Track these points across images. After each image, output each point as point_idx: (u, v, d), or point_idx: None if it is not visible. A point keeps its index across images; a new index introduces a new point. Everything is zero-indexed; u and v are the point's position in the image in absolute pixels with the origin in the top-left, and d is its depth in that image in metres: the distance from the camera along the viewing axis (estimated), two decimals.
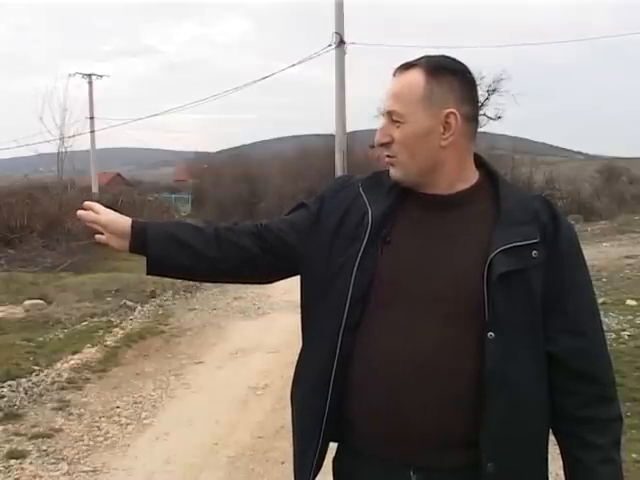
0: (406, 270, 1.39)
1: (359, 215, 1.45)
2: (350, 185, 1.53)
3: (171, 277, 1.68)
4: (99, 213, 1.53)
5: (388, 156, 1.43)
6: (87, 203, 1.56)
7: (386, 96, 1.43)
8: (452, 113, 1.38)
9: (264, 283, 1.68)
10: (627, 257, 12.66)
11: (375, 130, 1.46)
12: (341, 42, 16.56)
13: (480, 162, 1.49)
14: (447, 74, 1.40)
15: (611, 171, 34.58)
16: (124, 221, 1.53)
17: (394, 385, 1.35)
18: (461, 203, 1.43)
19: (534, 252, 1.36)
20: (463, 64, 1.45)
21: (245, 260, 1.52)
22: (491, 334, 1.32)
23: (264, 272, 1.58)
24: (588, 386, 1.40)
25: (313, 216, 1.51)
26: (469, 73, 1.44)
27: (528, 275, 1.36)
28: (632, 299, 8.53)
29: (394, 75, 1.44)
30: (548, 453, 1.45)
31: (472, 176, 1.46)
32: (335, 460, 1.52)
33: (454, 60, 1.44)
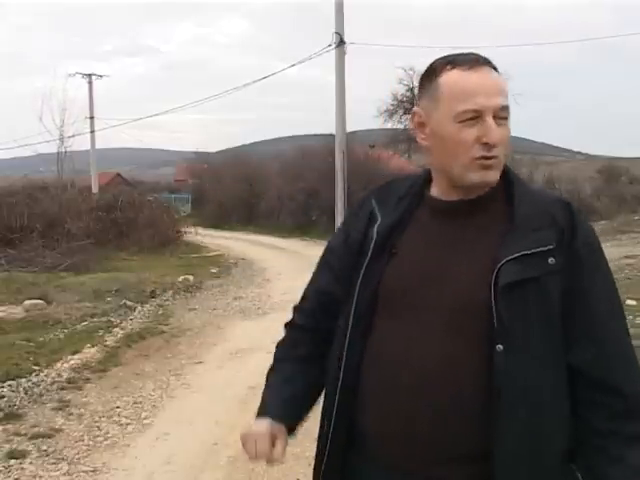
0: (412, 280, 1.37)
1: (371, 229, 1.44)
2: (366, 201, 1.51)
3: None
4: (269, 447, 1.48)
5: (491, 157, 1.33)
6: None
7: (485, 91, 1.32)
8: None
9: None
10: (627, 257, 12.66)
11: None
12: (341, 42, 16.55)
13: None
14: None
15: (611, 171, 34.61)
16: (277, 432, 1.48)
17: (400, 396, 1.33)
18: (474, 208, 1.38)
19: (550, 259, 1.29)
20: None
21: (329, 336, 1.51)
22: (499, 347, 1.27)
23: None
24: (613, 398, 1.31)
25: (343, 250, 1.51)
26: None
27: (543, 283, 1.29)
28: (632, 299, 8.52)
29: (477, 69, 1.33)
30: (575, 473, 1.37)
31: None
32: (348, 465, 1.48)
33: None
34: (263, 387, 1.59)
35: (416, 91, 1.54)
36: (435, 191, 1.44)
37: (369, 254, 1.40)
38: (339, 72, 16.80)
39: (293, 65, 19.98)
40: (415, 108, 1.42)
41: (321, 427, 1.50)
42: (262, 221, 28.58)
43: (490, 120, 1.31)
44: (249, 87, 22.68)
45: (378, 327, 1.39)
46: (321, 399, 1.55)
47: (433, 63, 1.40)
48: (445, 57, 1.39)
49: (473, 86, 1.32)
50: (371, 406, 1.38)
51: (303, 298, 1.61)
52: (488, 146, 1.32)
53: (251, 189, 31.07)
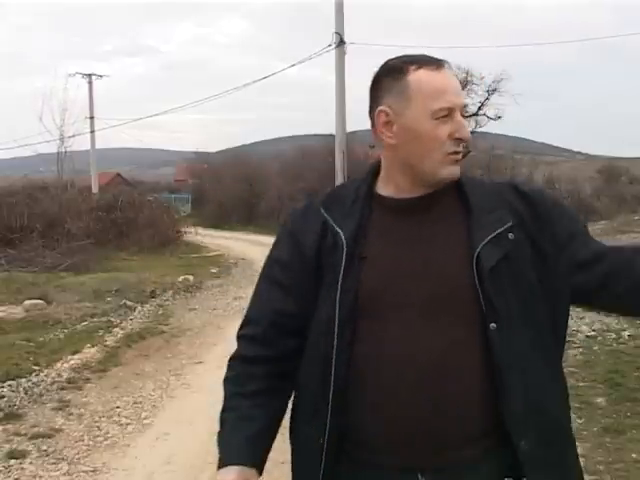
0: (391, 280, 1.38)
1: (332, 239, 1.41)
2: (311, 210, 1.49)
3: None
4: None
5: (459, 153, 1.40)
6: None
7: (453, 90, 1.39)
8: None
9: None
10: None
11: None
12: (341, 42, 16.55)
13: None
14: None
15: (611, 171, 34.71)
16: (249, 477, 1.41)
17: (406, 395, 1.34)
18: (430, 203, 1.42)
19: (510, 235, 1.37)
20: None
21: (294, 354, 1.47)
22: (493, 325, 1.33)
23: None
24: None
25: (295, 263, 1.46)
26: None
27: (511, 258, 1.37)
28: None
29: (442, 69, 1.39)
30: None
31: None
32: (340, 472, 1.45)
33: None
34: (219, 430, 1.47)
35: None
36: (388, 190, 1.45)
37: (342, 264, 1.38)
38: (339, 72, 16.79)
39: (293, 65, 20.00)
40: (381, 107, 1.41)
41: (300, 439, 1.47)
42: (262, 221, 28.59)
43: (460, 117, 1.38)
44: (249, 87, 22.69)
45: (366, 333, 1.37)
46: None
47: (392, 63, 1.43)
48: (401, 57, 1.43)
49: (443, 85, 1.38)
50: (376, 411, 1.37)
51: (249, 323, 1.51)
52: (459, 141, 1.39)
53: (251, 189, 31.11)
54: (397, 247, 1.40)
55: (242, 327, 1.53)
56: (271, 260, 1.52)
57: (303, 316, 1.44)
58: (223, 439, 1.46)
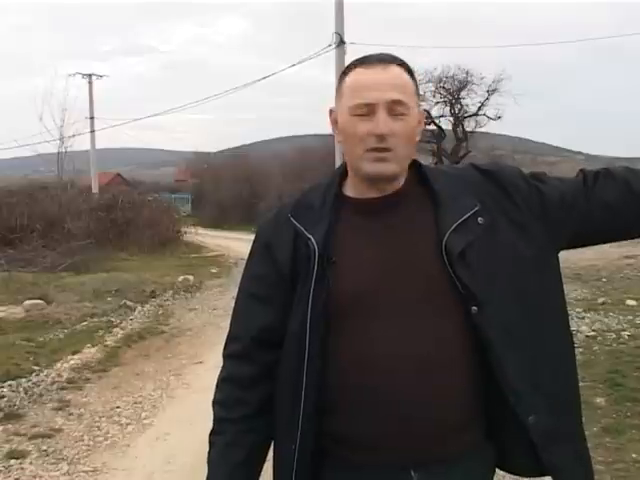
0: (364, 282, 1.37)
1: (305, 247, 1.40)
2: (281, 219, 1.48)
3: None
4: None
5: (383, 149, 1.36)
6: None
7: (375, 86, 1.36)
8: (425, 110, 1.41)
9: None
10: (627, 257, 12.68)
11: None
12: (341, 42, 16.54)
13: None
14: (413, 75, 1.45)
15: None
16: None
17: (393, 393, 1.33)
18: (396, 201, 1.42)
19: (479, 219, 1.38)
20: None
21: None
22: (474, 308, 1.33)
23: None
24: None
25: (273, 275, 1.45)
26: None
27: (485, 240, 1.36)
28: (632, 299, 8.54)
29: (375, 67, 1.39)
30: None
31: None
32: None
33: None
34: (209, 451, 1.51)
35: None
36: (352, 191, 1.46)
37: (315, 269, 1.38)
38: (339, 72, 16.78)
39: (293, 65, 19.94)
40: (331, 106, 1.46)
41: (281, 447, 1.46)
42: None
43: (380, 113, 1.35)
44: (249, 87, 22.72)
45: (345, 334, 1.37)
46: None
47: (349, 64, 1.46)
48: (358, 58, 1.46)
49: (366, 82, 1.38)
50: (357, 411, 1.36)
51: (233, 341, 1.51)
52: (379, 137, 1.35)
53: (251, 189, 31.10)
54: (369, 248, 1.40)
55: (227, 346, 1.54)
56: (248, 276, 1.53)
57: (284, 328, 1.44)
58: (212, 464, 1.50)
